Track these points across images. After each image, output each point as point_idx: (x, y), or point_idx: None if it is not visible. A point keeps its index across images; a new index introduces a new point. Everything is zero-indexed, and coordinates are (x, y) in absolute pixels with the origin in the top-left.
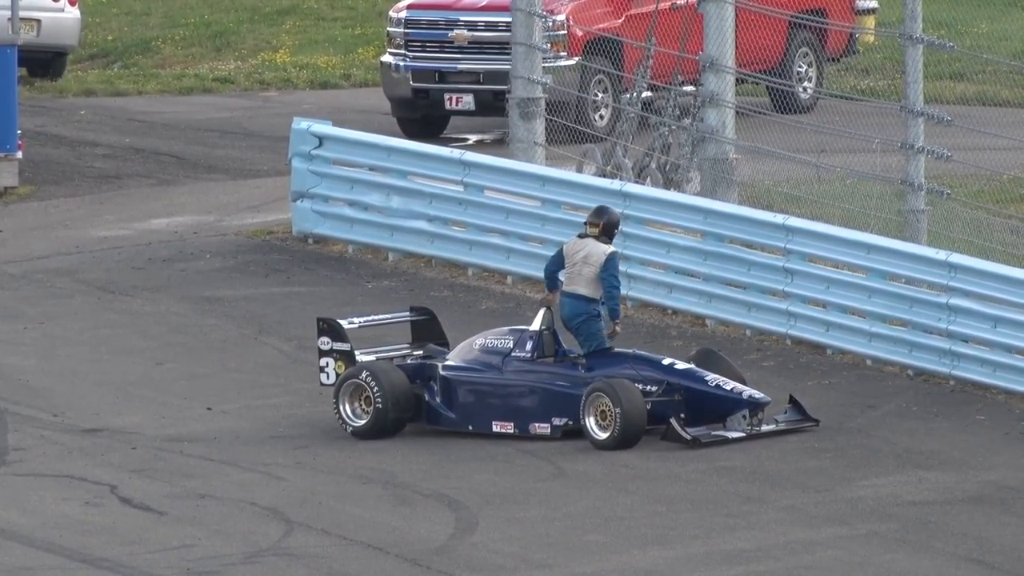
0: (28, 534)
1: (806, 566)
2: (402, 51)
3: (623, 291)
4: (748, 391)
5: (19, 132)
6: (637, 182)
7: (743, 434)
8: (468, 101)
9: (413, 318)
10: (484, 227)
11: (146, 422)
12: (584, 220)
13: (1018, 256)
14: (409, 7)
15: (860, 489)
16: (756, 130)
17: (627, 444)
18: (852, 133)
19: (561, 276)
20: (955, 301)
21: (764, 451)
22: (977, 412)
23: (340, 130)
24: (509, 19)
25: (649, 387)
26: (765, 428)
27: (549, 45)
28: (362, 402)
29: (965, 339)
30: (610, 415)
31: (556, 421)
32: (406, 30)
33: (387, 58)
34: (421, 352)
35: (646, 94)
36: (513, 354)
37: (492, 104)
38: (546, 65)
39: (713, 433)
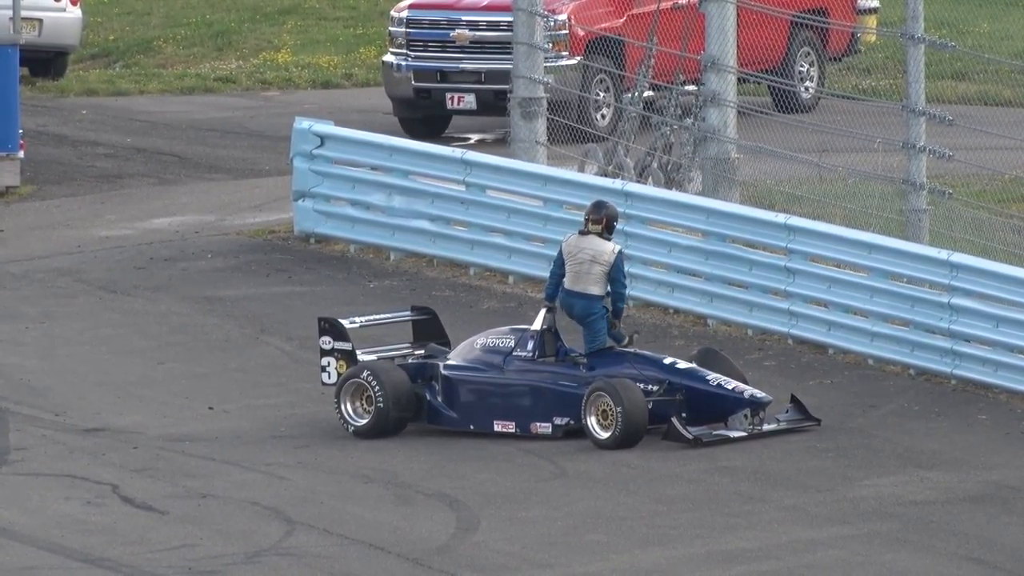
0: (29, 534)
1: (807, 565)
2: (404, 51)
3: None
4: (749, 390)
5: (20, 132)
6: (639, 181)
7: (744, 433)
8: (470, 100)
9: (414, 317)
10: (486, 227)
11: (147, 422)
12: (584, 216)
13: (1020, 256)
14: (411, 7)
15: (861, 489)
16: (758, 129)
17: (628, 444)
18: (854, 133)
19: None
20: (957, 301)
21: (765, 451)
22: (979, 412)
23: (342, 130)
24: (511, 19)
25: (650, 386)
26: (766, 427)
27: (551, 45)
28: (363, 401)
29: (967, 339)
30: (611, 414)
31: (557, 420)
32: (408, 30)
33: (389, 58)
34: (422, 352)
35: (648, 93)
36: (514, 353)
37: (494, 104)
38: (548, 65)
39: (714, 432)
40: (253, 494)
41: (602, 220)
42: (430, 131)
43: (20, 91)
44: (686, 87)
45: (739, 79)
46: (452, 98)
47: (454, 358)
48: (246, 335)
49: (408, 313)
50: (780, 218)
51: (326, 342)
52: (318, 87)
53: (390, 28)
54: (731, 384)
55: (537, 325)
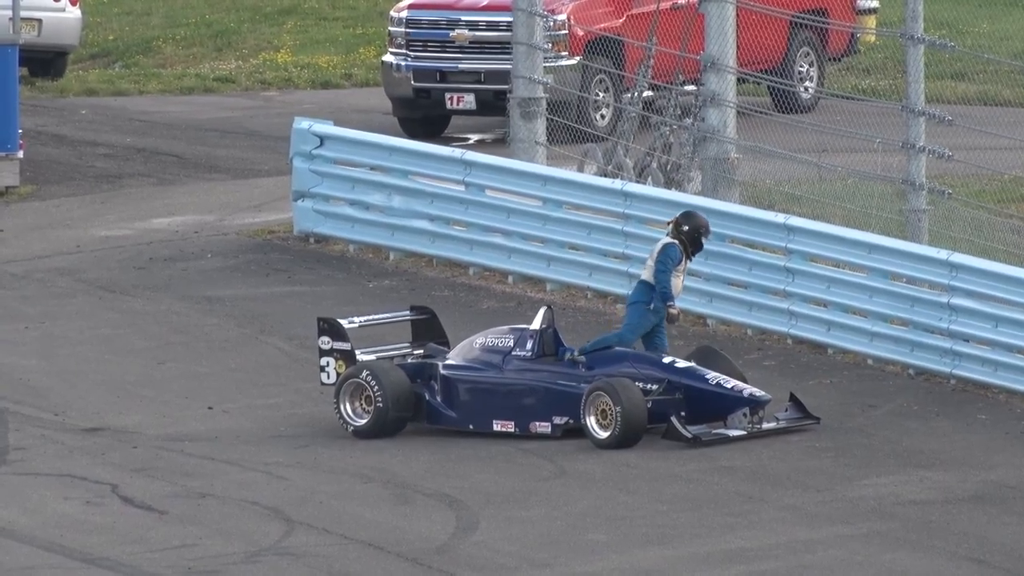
0: (29, 533)
1: (807, 565)
2: (403, 51)
3: (627, 290)
4: (749, 389)
5: (20, 132)
6: (638, 182)
7: (744, 432)
8: (469, 101)
9: (414, 317)
10: (485, 227)
11: (147, 421)
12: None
13: (1019, 256)
14: (410, 7)
15: (861, 488)
16: (757, 130)
17: (628, 443)
18: (853, 133)
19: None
20: (956, 300)
21: (765, 450)
22: (978, 411)
23: (341, 130)
24: (510, 19)
25: (649, 386)
26: (766, 426)
27: (550, 45)
28: (363, 401)
29: (966, 338)
30: (611, 414)
31: (557, 420)
32: (407, 30)
33: (388, 58)
34: (421, 351)
35: (647, 94)
36: (514, 353)
37: (493, 104)
38: (547, 65)
39: (714, 431)
40: (253, 494)
41: (671, 223)
42: (429, 131)
43: (20, 91)
44: (685, 87)
45: (738, 79)
46: (451, 98)
47: (453, 358)
48: (245, 335)
49: (407, 313)
50: (779, 218)
51: (325, 342)
52: (318, 87)
53: (389, 28)
54: (730, 383)
55: (536, 324)
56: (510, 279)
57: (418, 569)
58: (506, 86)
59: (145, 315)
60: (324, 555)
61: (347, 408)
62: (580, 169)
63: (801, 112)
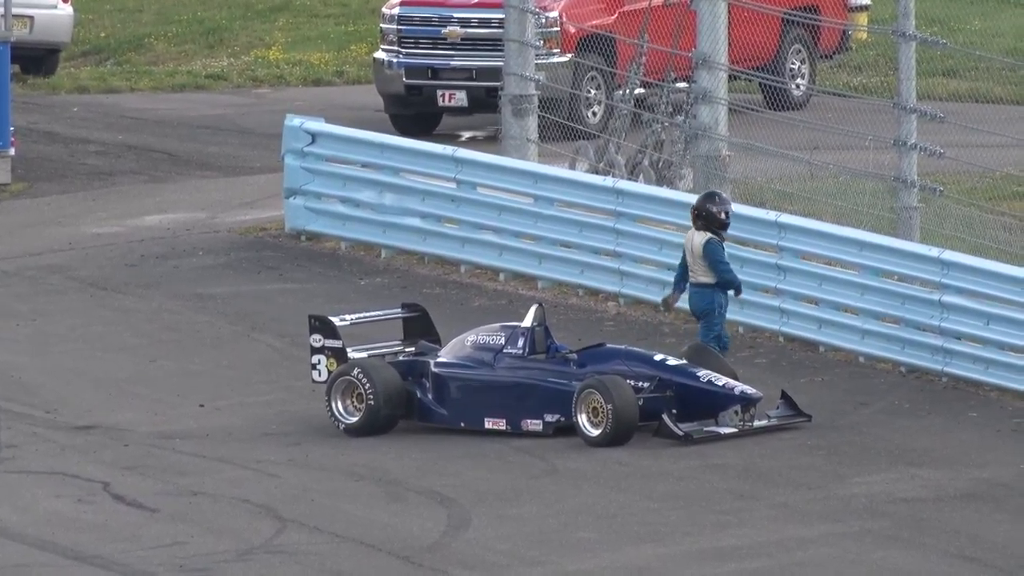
0: (20, 531)
1: (798, 563)
2: (395, 48)
3: (618, 288)
4: (740, 387)
5: (12, 129)
6: (630, 179)
7: (735, 430)
8: (461, 98)
9: (405, 315)
10: (477, 224)
11: (139, 419)
12: (720, 213)
13: (1011, 253)
14: (402, 4)
15: (852, 486)
16: (749, 127)
17: (619, 441)
18: (845, 130)
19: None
20: (948, 298)
21: (756, 448)
22: (970, 409)
23: (333, 127)
24: (502, 16)
25: (641, 383)
26: (757, 424)
27: (542, 42)
28: (354, 399)
29: (958, 336)
30: (602, 412)
31: (548, 418)
32: (399, 27)
33: (380, 55)
34: (413, 349)
35: (639, 91)
36: (505, 351)
37: (485, 101)
38: (539, 62)
39: (705, 429)
40: (244, 492)
41: (693, 211)
42: (421, 128)
43: (11, 88)
44: (677, 84)
45: (730, 76)
46: (443, 95)
47: (445, 355)
48: (237, 332)
49: (399, 310)
50: (771, 215)
51: (317, 340)
52: (309, 84)
53: (381, 25)
54: (721, 380)
55: (528, 322)
56: (501, 277)
57: (410, 567)
58: (498, 83)
59: (137, 312)
60: (316, 553)
61: (339, 406)
62: (572, 166)
63: (793, 109)
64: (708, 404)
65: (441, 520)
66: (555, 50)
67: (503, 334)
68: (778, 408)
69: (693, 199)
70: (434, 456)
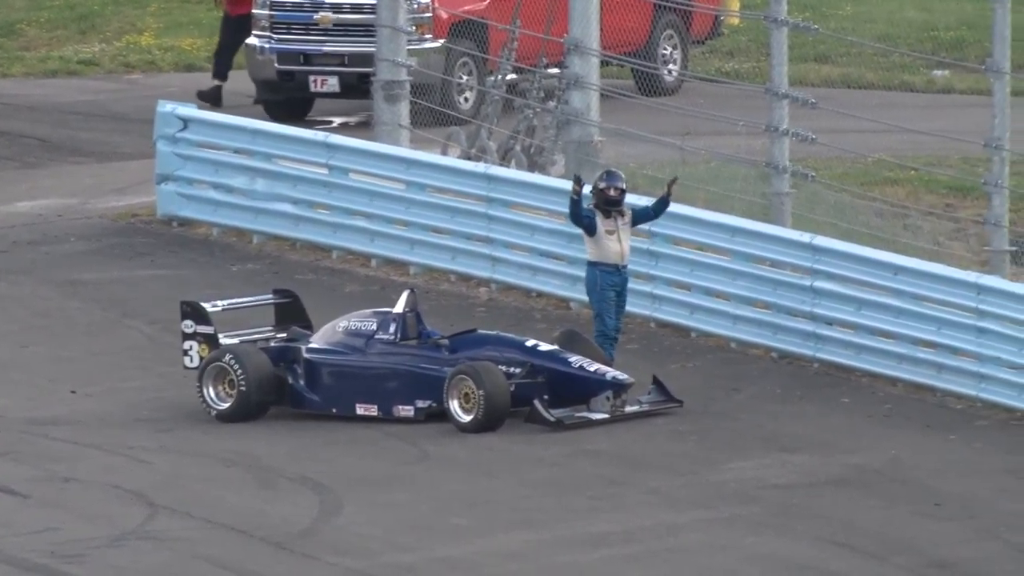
0: None
1: (670, 549)
2: (267, 33)
3: (490, 273)
4: (611, 372)
5: None
6: (502, 165)
7: (607, 415)
8: (333, 83)
9: (277, 301)
10: (349, 210)
11: (10, 405)
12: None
13: (882, 239)
14: None
15: (724, 472)
16: (621, 112)
17: (491, 427)
18: (717, 116)
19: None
20: (819, 284)
21: (628, 434)
22: (841, 395)
23: (205, 113)
24: (374, 1)
25: (512, 369)
26: (629, 409)
27: (414, 27)
28: (226, 385)
29: (829, 322)
30: (473, 398)
31: (420, 404)
32: (271, 12)
33: (252, 40)
34: (285, 335)
35: (511, 77)
36: (377, 336)
37: (357, 86)
38: (411, 48)
39: (577, 415)
40: (116, 478)
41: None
42: (293, 114)
43: None
44: (549, 70)
45: (602, 62)
46: (315, 81)
47: (316, 341)
48: (109, 318)
49: (270, 296)
50: (642, 201)
51: (188, 326)
52: (181, 70)
53: (254, 11)
54: (593, 366)
55: (399, 308)
56: (373, 262)
57: (282, 553)
58: (370, 69)
59: (8, 299)
60: (187, 539)
61: (210, 392)
62: (444, 152)
63: (665, 95)
64: (580, 390)
65: (313, 506)
66: (427, 36)
67: (375, 320)
68: (650, 394)
69: (565, 185)
70: (306, 442)
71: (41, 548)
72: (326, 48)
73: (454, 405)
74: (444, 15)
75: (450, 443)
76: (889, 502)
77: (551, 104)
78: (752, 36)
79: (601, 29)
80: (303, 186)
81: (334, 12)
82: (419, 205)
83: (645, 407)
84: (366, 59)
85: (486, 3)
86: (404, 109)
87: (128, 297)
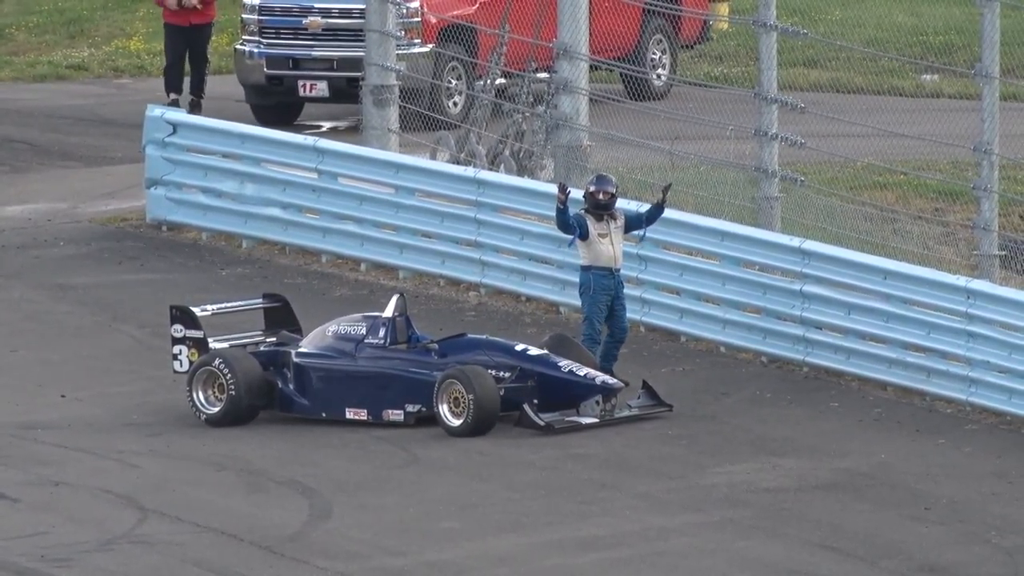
0: None
1: (660, 552)
2: (256, 38)
3: (479, 278)
4: (601, 376)
5: None
6: (491, 169)
7: (596, 419)
8: (322, 88)
9: (266, 305)
10: (338, 214)
11: (0, 409)
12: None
13: (871, 243)
14: None
15: (714, 476)
16: (610, 117)
17: (480, 431)
18: (706, 120)
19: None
20: (808, 288)
21: (618, 438)
22: (831, 399)
23: (194, 117)
24: (363, 6)
25: (502, 373)
26: (618, 414)
27: (403, 32)
28: (215, 389)
29: (819, 326)
30: (463, 402)
31: (409, 408)
32: (260, 17)
33: (241, 45)
34: (274, 339)
35: (500, 81)
36: (366, 341)
37: (346, 91)
38: (400, 52)
39: (566, 419)
40: (106, 482)
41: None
42: (282, 119)
43: None
44: (538, 75)
45: (591, 66)
46: (304, 85)
47: (306, 345)
48: (98, 323)
49: (260, 301)
50: (631, 206)
51: (178, 330)
52: None
53: (243, 15)
54: (583, 371)
55: (389, 312)
56: (363, 267)
57: (271, 557)
58: (359, 73)
59: None
60: (177, 543)
61: (200, 396)
62: (433, 157)
63: (653, 99)
64: (569, 394)
65: (303, 510)
66: (416, 40)
67: (364, 324)
68: (639, 398)
69: (553, 189)
70: (295, 446)
71: (30, 552)
72: (315, 52)
73: (444, 409)
74: (433, 20)
75: (439, 447)
76: (878, 506)
77: (540, 108)
78: (741, 41)
79: (590, 33)
80: (292, 190)
81: (323, 17)
82: (408, 209)
83: (635, 411)
84: (355, 63)
85: (475, 7)
86: (393, 113)
87: (117, 301)
